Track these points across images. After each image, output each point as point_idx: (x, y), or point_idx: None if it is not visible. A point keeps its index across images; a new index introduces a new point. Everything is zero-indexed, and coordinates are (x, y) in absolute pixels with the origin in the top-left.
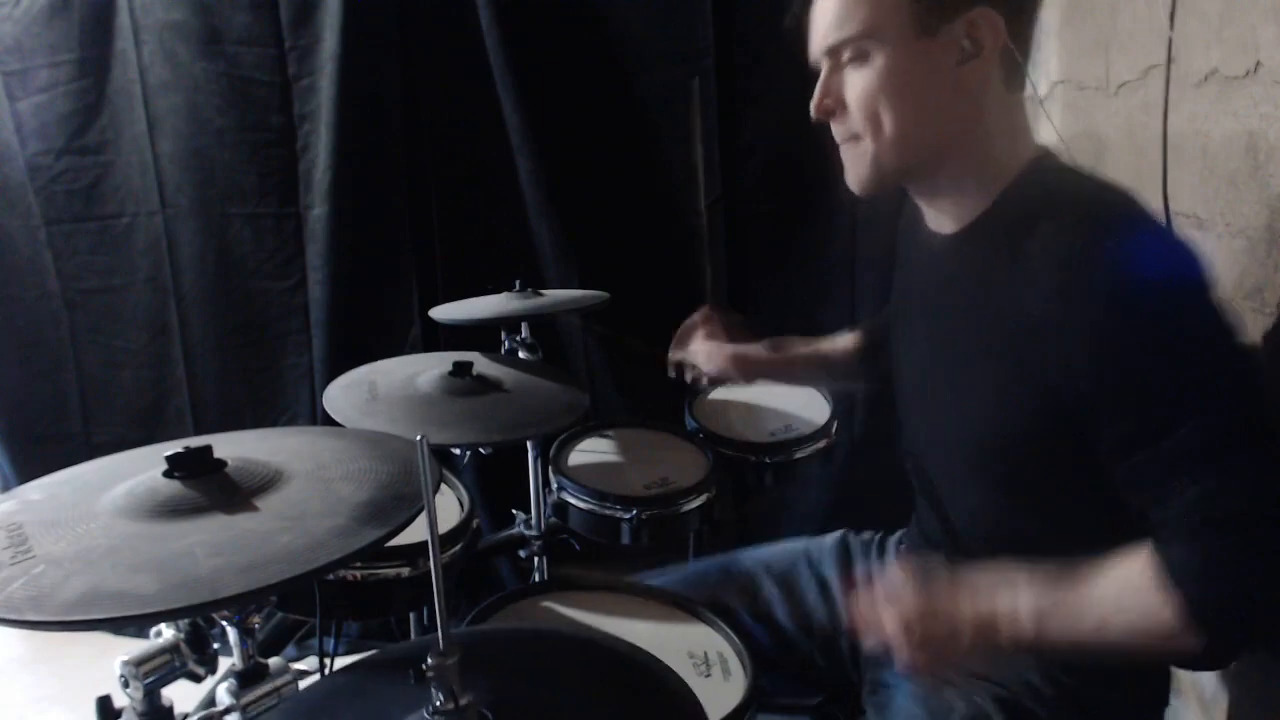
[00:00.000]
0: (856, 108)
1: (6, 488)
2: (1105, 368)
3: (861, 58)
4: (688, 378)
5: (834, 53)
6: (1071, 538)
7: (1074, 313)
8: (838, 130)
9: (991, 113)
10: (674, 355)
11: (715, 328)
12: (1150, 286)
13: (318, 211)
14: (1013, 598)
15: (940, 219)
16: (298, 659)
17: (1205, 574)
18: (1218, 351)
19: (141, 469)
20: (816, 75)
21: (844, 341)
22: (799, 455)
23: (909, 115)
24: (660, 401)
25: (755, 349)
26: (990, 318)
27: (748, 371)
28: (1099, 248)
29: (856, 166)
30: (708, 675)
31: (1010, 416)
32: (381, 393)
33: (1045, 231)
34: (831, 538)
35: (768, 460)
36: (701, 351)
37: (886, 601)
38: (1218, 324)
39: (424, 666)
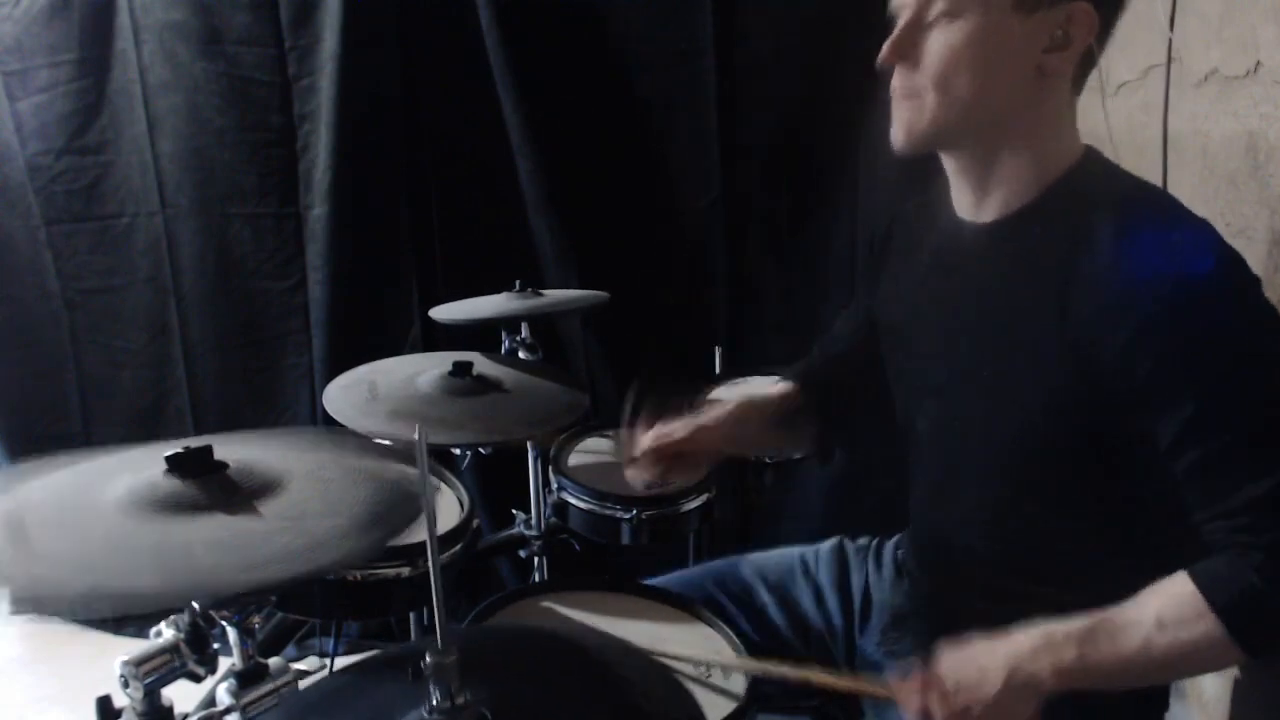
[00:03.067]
0: (932, 63)
1: None
2: (1166, 361)
3: (953, 15)
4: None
5: (923, 3)
6: (1086, 542)
7: (1136, 306)
8: (900, 81)
9: (1056, 107)
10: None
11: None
12: (1212, 282)
13: (318, 211)
14: (1044, 632)
15: (980, 205)
16: (298, 659)
17: (1249, 602)
18: (1269, 345)
19: (142, 468)
20: (885, 23)
21: (778, 389)
22: (799, 455)
23: (981, 85)
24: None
25: (680, 428)
26: (1035, 308)
27: (694, 454)
28: (1150, 240)
29: (912, 120)
30: (708, 675)
31: (1050, 409)
32: (381, 393)
33: (1104, 226)
34: (827, 545)
35: (768, 460)
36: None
37: (918, 694)
38: (1269, 317)
39: (422, 665)
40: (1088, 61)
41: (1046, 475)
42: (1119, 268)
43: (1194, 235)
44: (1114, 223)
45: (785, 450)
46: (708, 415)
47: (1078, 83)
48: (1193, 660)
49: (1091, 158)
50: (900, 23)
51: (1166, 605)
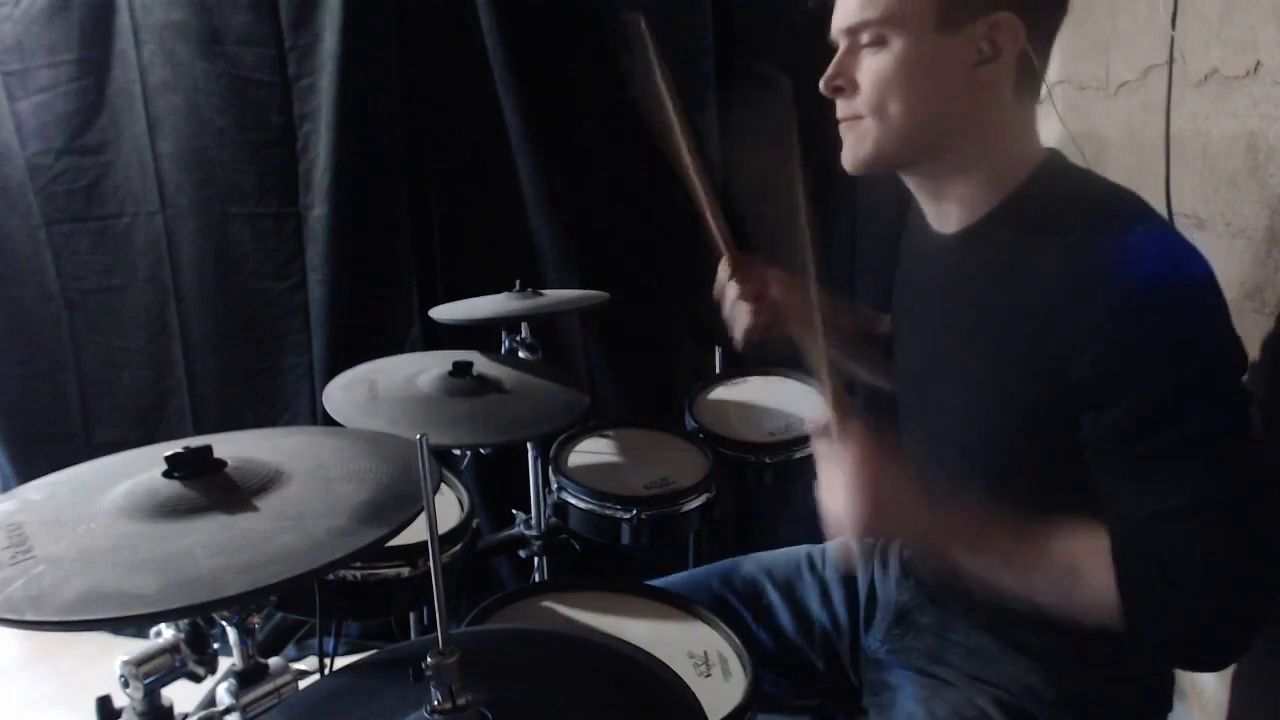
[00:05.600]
0: (866, 90)
1: (6, 488)
2: (1105, 360)
3: (879, 42)
4: (738, 329)
5: (853, 33)
6: None
7: (1079, 304)
8: (842, 108)
9: (1000, 117)
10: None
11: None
12: (1157, 283)
13: (318, 211)
14: (964, 506)
15: (944, 217)
16: (298, 659)
17: (1150, 595)
18: (1217, 352)
19: (141, 469)
20: (831, 53)
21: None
22: (799, 455)
23: (916, 106)
24: (660, 401)
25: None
26: (993, 312)
27: (803, 316)
28: (1107, 242)
29: (855, 146)
30: (708, 675)
31: (1010, 410)
32: (381, 392)
33: (1054, 227)
34: (834, 543)
35: (768, 460)
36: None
37: (849, 448)
38: (1220, 325)
39: (423, 666)
40: (1028, 67)
41: (1019, 476)
42: (1075, 263)
43: (1154, 233)
44: (1071, 222)
45: (849, 363)
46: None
47: (1024, 90)
48: (1076, 596)
49: (1051, 164)
50: (836, 54)
51: (1080, 539)
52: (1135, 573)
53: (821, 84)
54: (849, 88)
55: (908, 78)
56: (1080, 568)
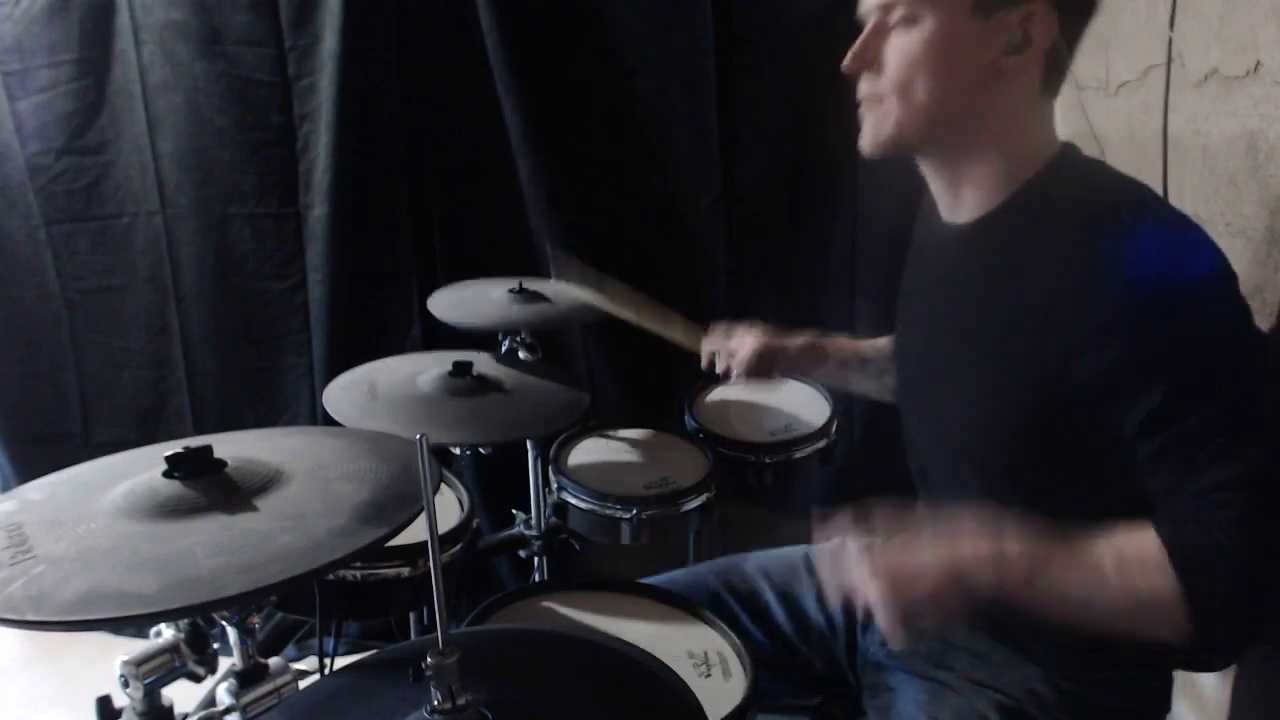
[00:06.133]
0: (891, 69)
1: (6, 488)
2: (1124, 351)
3: (911, 21)
4: (719, 368)
5: (885, 9)
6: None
7: (1079, 304)
8: (864, 88)
9: (1022, 110)
10: (708, 346)
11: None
12: (1158, 278)
13: (318, 211)
14: (999, 541)
15: (957, 206)
16: (298, 659)
17: (1210, 567)
18: (1235, 333)
19: (142, 469)
20: (844, 41)
21: (881, 343)
22: (799, 455)
23: (940, 88)
24: (660, 401)
25: (793, 340)
26: (996, 306)
27: (783, 362)
28: (1107, 241)
29: (876, 127)
30: (708, 675)
31: (1010, 409)
32: (381, 392)
33: (1061, 219)
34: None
35: (768, 460)
36: (739, 342)
37: (850, 563)
38: (1235, 307)
39: (423, 666)
40: (1056, 62)
41: (1019, 475)
42: (1085, 264)
43: (1164, 229)
44: (1078, 214)
45: (859, 392)
46: (787, 338)
47: (1049, 85)
48: (1139, 614)
49: (1066, 156)
50: (864, 30)
51: (1129, 547)
52: (1187, 537)
53: (847, 58)
54: (874, 66)
55: (935, 58)
56: (1131, 554)
